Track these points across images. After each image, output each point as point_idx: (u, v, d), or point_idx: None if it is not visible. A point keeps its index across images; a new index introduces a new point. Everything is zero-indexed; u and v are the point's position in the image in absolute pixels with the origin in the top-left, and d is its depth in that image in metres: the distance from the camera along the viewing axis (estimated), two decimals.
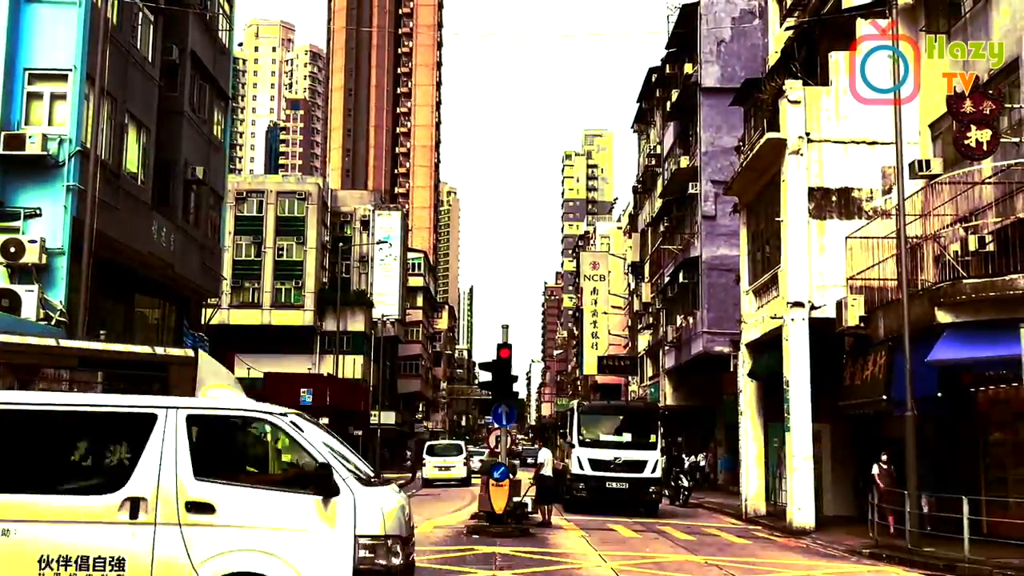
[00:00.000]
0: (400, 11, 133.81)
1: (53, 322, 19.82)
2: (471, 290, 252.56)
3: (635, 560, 15.77)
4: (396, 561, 7.85)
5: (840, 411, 22.71)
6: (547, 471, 23.94)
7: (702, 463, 38.45)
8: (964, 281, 16.83)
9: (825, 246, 22.23)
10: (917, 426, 17.95)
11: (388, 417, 69.71)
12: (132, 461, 7.79)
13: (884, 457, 20.02)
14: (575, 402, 36.56)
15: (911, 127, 20.86)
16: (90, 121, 20.30)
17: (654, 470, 26.63)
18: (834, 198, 22.49)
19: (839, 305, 20.99)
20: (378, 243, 72.12)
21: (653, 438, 27.54)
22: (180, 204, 27.32)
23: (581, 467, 26.62)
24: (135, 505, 7.62)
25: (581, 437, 27.48)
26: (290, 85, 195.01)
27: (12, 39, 20.44)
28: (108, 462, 7.96)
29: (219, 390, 9.65)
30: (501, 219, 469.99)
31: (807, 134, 22.57)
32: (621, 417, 29.03)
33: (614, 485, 26.28)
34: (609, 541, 18.88)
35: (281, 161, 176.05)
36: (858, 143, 22.61)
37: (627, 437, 27.54)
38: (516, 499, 21.77)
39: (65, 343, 10.33)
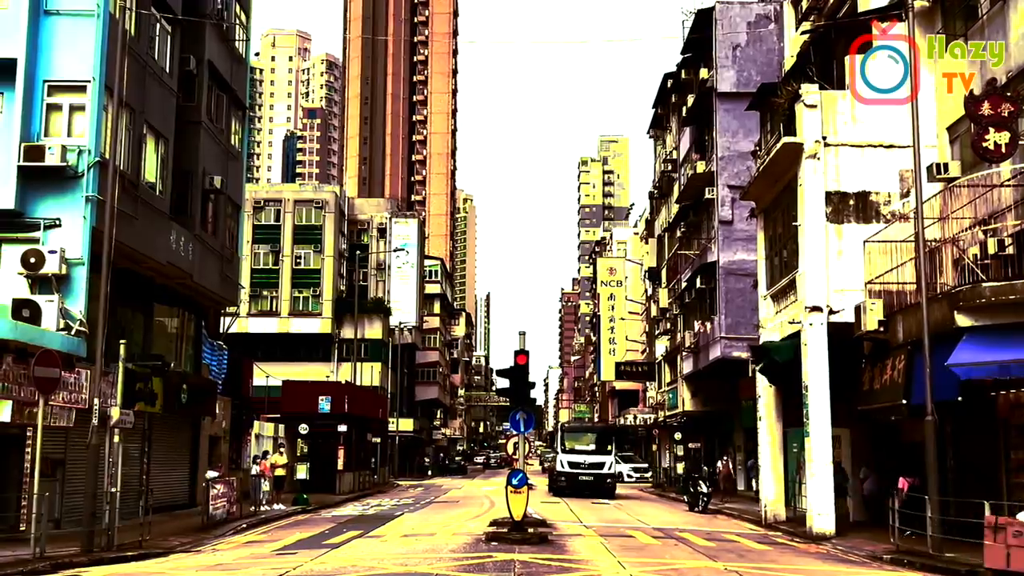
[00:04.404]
0: (416, 19, 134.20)
1: (73, 332, 19.96)
2: (488, 297, 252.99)
3: (655, 567, 15.72)
4: None
5: (859, 416, 22.58)
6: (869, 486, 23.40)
7: (720, 467, 38.36)
8: (983, 284, 16.73)
9: (843, 250, 22.14)
10: (937, 430, 17.83)
11: (406, 424, 69.84)
12: None
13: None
14: (561, 423, 48.98)
15: (928, 130, 20.76)
16: (109, 132, 20.44)
17: (610, 468, 38.77)
18: (851, 202, 22.40)
19: (858, 309, 20.89)
20: (395, 251, 72.27)
21: (610, 447, 39.92)
22: (198, 213, 27.47)
23: (562, 466, 38.83)
24: None
25: (563, 447, 40.02)
26: (307, 94, 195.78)
27: (31, 51, 20.63)
28: None
29: None
30: (518, 225, 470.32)
31: (824, 138, 22.49)
32: (589, 433, 41.68)
33: (584, 477, 38.15)
34: (629, 548, 18.82)
35: (298, 170, 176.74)
36: (875, 146, 22.51)
37: (592, 447, 39.48)
38: None
39: None
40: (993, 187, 18.28)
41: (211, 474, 26.81)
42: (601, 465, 38.23)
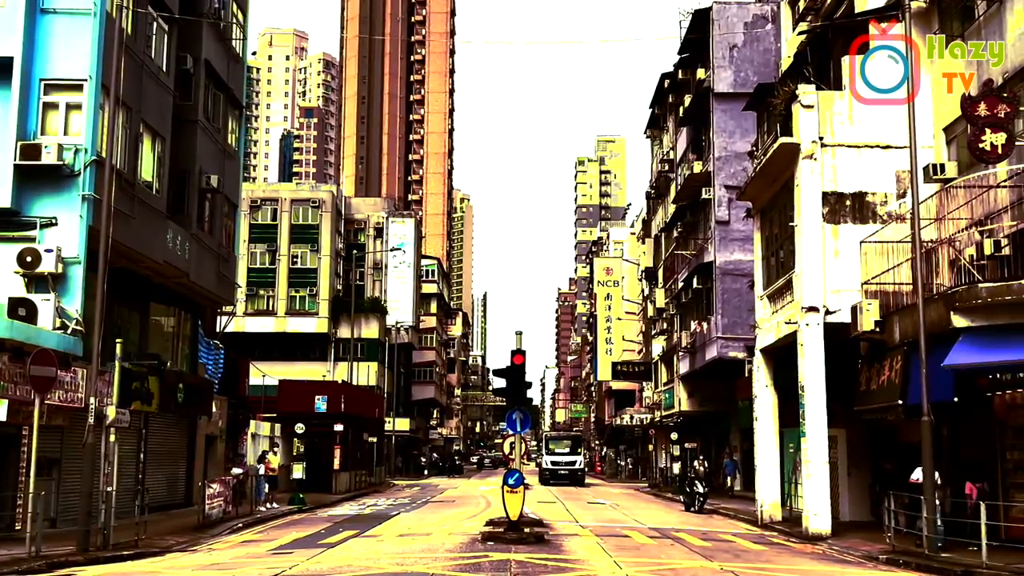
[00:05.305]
0: (412, 19, 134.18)
1: (69, 331, 19.94)
2: (485, 296, 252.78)
3: (651, 567, 15.73)
4: None
5: (855, 416, 22.60)
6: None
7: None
8: (980, 285, 16.75)
9: (839, 251, 22.15)
10: (933, 431, 17.85)
11: (402, 424, 69.81)
12: None
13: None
14: (544, 432, 76.36)
15: (925, 131, 20.77)
16: (105, 131, 20.41)
17: (580, 464, 53.95)
18: (848, 202, 22.41)
19: (854, 310, 20.90)
20: (392, 250, 72.25)
21: (580, 450, 57.15)
22: (195, 213, 27.44)
23: (547, 464, 54.09)
24: None
25: (547, 449, 56.04)
26: (304, 93, 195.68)
27: (28, 49, 20.60)
28: None
29: None
30: (515, 225, 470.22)
31: (820, 138, 22.49)
32: (566, 440, 58.37)
33: (561, 472, 52.77)
34: (625, 548, 18.83)
35: (295, 169, 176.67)
36: (872, 147, 22.52)
37: (567, 449, 55.04)
38: None
39: None
40: (989, 188, 18.31)
41: (236, 471, 27.08)
42: (574, 463, 53.80)
